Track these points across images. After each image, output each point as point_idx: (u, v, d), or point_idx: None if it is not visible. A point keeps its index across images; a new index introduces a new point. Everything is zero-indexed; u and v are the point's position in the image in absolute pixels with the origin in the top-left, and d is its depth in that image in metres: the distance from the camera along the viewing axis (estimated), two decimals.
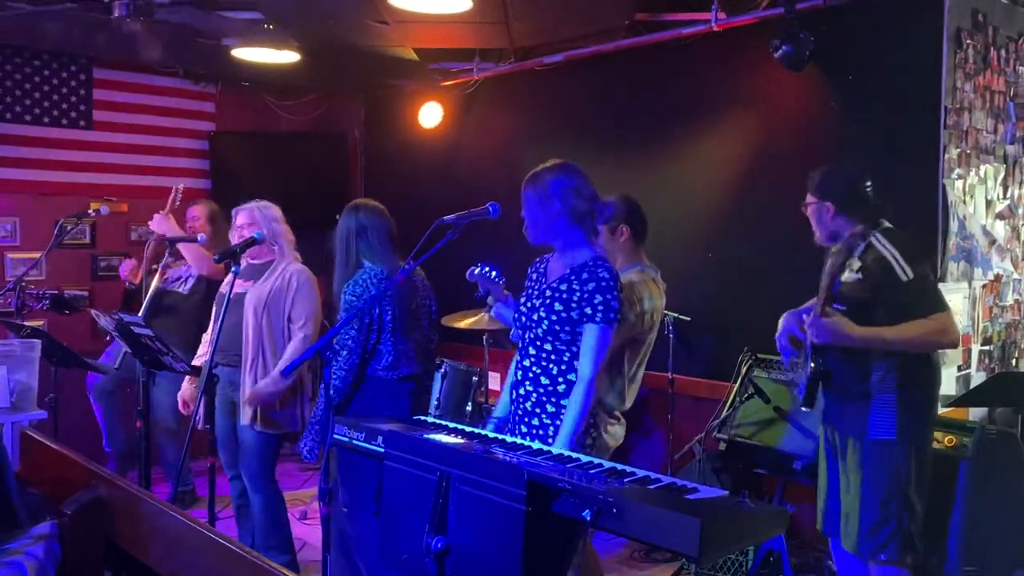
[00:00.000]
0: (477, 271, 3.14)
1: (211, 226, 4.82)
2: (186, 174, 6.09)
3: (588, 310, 2.61)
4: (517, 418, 2.75)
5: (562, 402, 2.65)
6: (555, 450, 2.27)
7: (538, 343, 2.70)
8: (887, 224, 2.89)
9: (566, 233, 2.69)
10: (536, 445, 2.32)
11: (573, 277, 2.66)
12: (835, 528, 3.04)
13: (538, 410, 2.69)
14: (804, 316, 2.88)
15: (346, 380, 3.23)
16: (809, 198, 3.02)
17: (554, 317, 2.64)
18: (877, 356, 2.82)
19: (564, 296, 2.65)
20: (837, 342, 2.72)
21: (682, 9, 4.50)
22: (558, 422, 2.64)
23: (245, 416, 3.59)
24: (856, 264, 2.80)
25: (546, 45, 5.18)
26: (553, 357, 2.67)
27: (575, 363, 2.66)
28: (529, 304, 2.76)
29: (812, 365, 2.83)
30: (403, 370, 3.31)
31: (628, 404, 3.10)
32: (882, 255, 2.78)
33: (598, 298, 2.60)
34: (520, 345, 2.79)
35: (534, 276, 2.85)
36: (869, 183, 2.94)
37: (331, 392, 2.99)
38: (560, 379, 2.67)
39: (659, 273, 3.27)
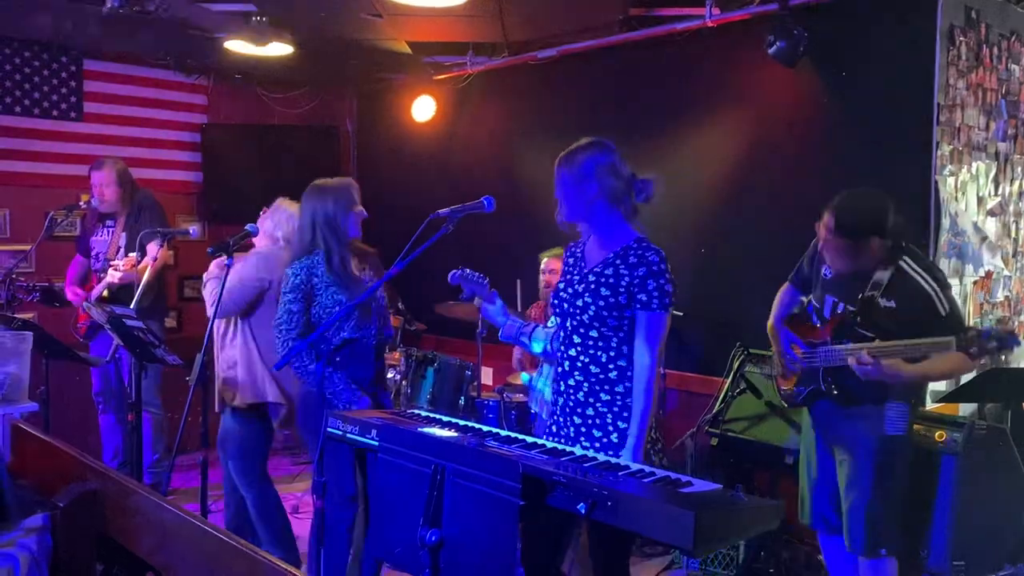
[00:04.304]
0: (459, 273, 3.14)
1: (120, 188, 4.80)
2: (177, 167, 6.07)
3: (643, 296, 2.54)
4: (568, 409, 2.65)
5: (616, 389, 2.58)
6: (551, 444, 2.27)
7: (582, 330, 2.61)
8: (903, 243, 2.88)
9: (604, 215, 2.63)
10: (530, 439, 2.31)
11: (619, 261, 2.59)
12: (823, 522, 3.06)
13: (591, 399, 2.60)
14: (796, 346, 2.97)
15: None
16: (839, 241, 2.81)
17: (601, 303, 2.56)
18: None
19: (611, 281, 2.57)
20: (891, 382, 2.74)
21: (676, 4, 4.50)
22: (615, 408, 2.58)
23: (226, 400, 3.61)
24: (879, 292, 2.79)
25: (540, 39, 5.17)
26: (600, 344, 2.59)
27: (623, 348, 2.59)
28: (570, 290, 2.67)
29: (824, 387, 2.90)
30: None
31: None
32: (921, 287, 2.75)
33: (651, 283, 2.53)
34: (562, 334, 2.70)
35: (571, 260, 2.77)
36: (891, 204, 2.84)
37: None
38: (611, 366, 2.59)
39: None
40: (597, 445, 2.57)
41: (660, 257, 2.57)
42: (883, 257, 2.82)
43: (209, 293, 3.53)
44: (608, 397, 2.59)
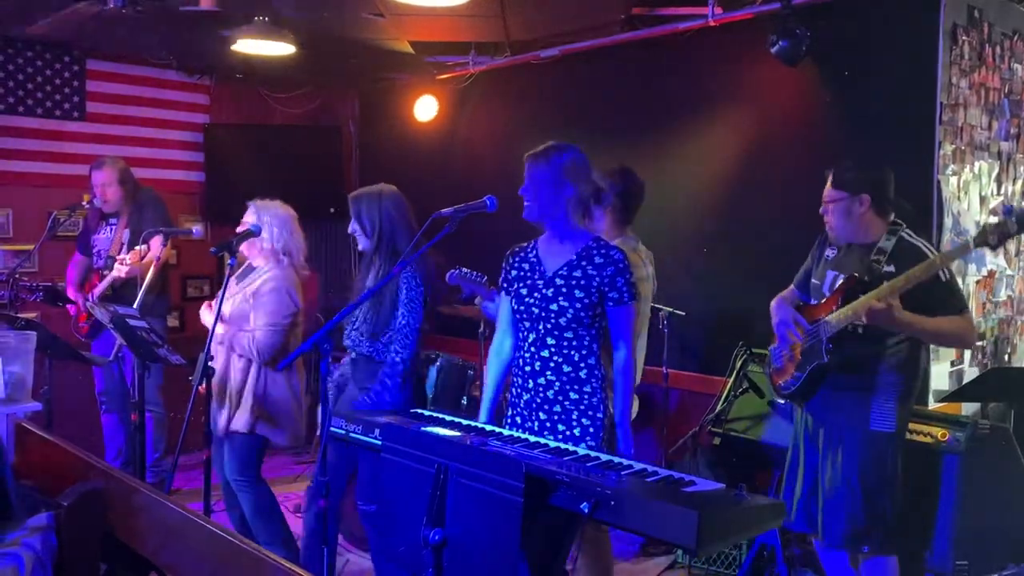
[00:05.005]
0: (457, 273, 3.14)
1: (121, 187, 4.81)
2: (180, 166, 6.08)
3: (615, 294, 2.68)
4: (535, 405, 2.75)
5: (584, 388, 2.71)
6: (553, 443, 2.28)
7: (557, 333, 2.70)
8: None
9: (568, 217, 2.72)
10: (533, 438, 2.32)
11: (584, 263, 2.70)
12: (809, 524, 3.01)
13: (560, 397, 2.72)
14: (798, 319, 2.92)
15: (408, 348, 3.26)
16: (836, 194, 2.91)
17: (578, 305, 2.66)
18: (889, 349, 2.83)
19: (583, 283, 2.68)
20: (886, 324, 2.69)
21: (679, 4, 4.49)
22: (581, 407, 2.70)
23: (239, 421, 3.52)
24: (884, 257, 2.81)
25: (542, 39, 5.17)
26: (575, 343, 2.70)
27: (594, 346, 2.72)
28: (536, 295, 2.73)
29: (827, 359, 2.82)
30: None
31: (638, 379, 3.14)
32: (923, 253, 2.79)
33: (620, 280, 2.67)
34: (531, 337, 2.76)
35: (525, 267, 2.82)
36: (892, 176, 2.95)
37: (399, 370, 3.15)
38: (581, 364, 2.71)
39: (639, 241, 3.33)
40: (560, 438, 2.67)
41: (623, 254, 2.72)
42: (883, 225, 2.89)
43: (248, 345, 3.49)
44: (576, 396, 2.72)
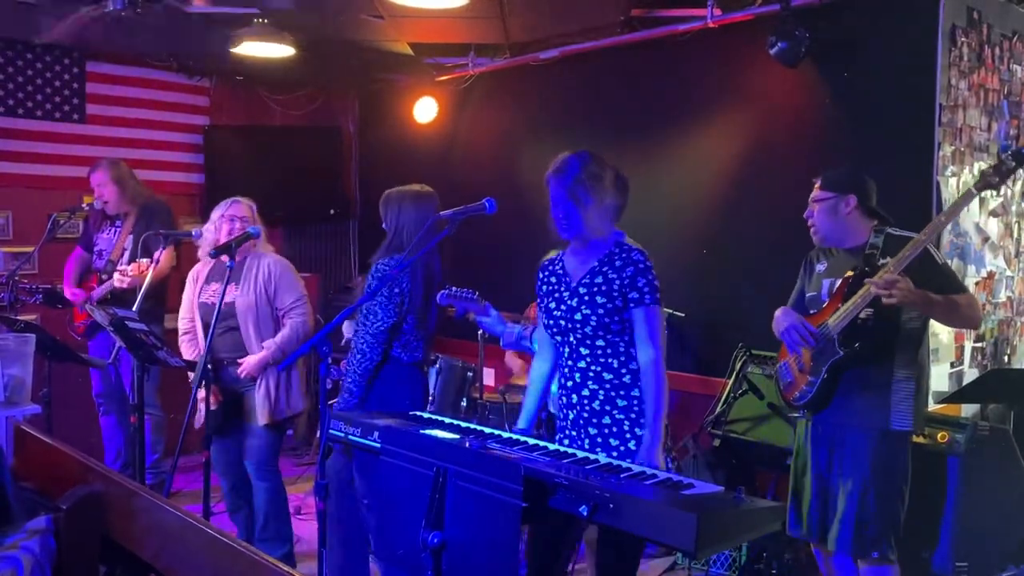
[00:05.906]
0: (447, 292, 3.12)
1: (118, 186, 4.81)
2: (180, 168, 6.08)
3: (635, 295, 2.58)
4: (583, 421, 2.65)
5: (632, 393, 2.60)
6: (552, 446, 2.28)
7: (588, 342, 2.63)
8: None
9: (594, 224, 2.64)
10: (532, 441, 2.32)
11: (606, 268, 2.62)
12: (825, 533, 2.97)
13: (608, 407, 2.61)
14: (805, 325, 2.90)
15: (374, 348, 3.16)
16: (822, 194, 2.95)
17: (601, 311, 2.58)
18: (900, 338, 2.82)
19: (604, 288, 2.60)
20: (900, 299, 2.65)
21: (678, 5, 4.50)
22: (632, 415, 2.60)
23: (262, 418, 3.64)
24: (878, 252, 2.83)
25: (542, 41, 5.18)
26: (609, 351, 2.62)
27: (632, 351, 2.61)
28: (563, 307, 2.67)
29: (843, 352, 2.79)
30: (417, 354, 3.27)
31: None
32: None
33: (641, 280, 2.58)
34: (566, 351, 2.69)
35: (552, 280, 2.76)
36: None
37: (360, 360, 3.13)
38: (623, 370, 2.62)
39: (626, 237, 3.30)
40: (615, 455, 2.54)
41: (644, 255, 2.63)
42: (870, 226, 2.91)
43: (299, 330, 3.67)
44: (625, 403, 2.61)
